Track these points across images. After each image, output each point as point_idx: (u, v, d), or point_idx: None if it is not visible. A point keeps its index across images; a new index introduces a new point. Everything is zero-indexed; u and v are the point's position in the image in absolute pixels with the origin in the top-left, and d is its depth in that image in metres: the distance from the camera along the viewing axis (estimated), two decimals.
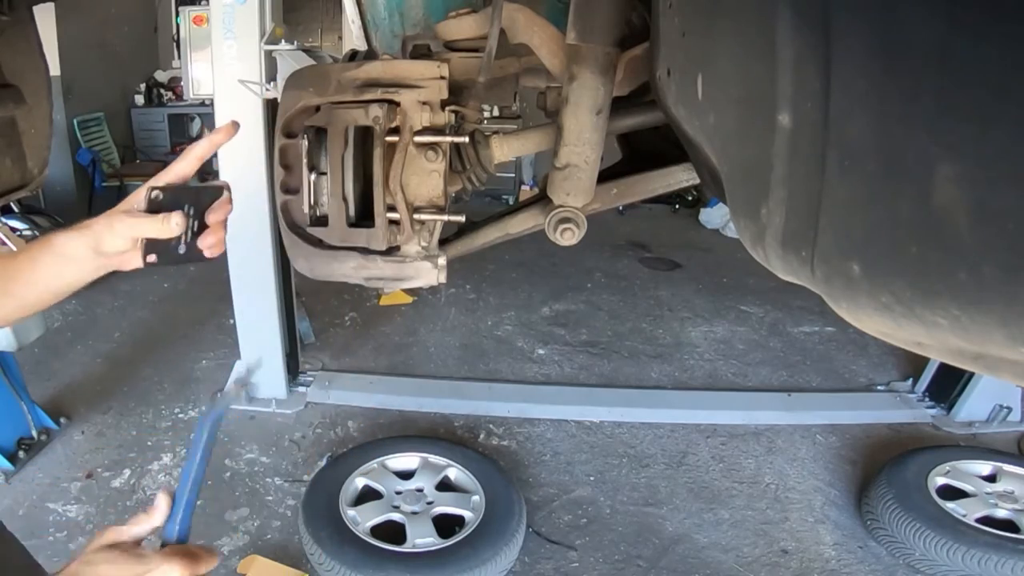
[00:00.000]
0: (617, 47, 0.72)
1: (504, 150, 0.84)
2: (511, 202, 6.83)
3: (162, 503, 0.82)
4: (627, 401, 3.51)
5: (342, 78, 0.73)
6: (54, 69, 1.57)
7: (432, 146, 0.74)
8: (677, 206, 6.94)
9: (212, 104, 2.99)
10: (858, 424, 3.40)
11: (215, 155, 0.83)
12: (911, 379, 3.73)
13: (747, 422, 3.38)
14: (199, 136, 6.87)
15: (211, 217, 0.81)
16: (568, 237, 0.80)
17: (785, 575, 2.52)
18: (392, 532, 2.42)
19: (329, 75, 0.73)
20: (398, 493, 2.59)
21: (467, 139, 0.77)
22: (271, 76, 2.78)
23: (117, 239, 0.77)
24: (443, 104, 0.73)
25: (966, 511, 2.56)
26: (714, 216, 6.44)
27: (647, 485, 2.95)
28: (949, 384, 3.45)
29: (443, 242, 0.84)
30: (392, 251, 0.81)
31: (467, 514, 2.49)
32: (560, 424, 3.32)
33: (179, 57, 6.34)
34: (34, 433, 2.94)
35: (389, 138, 0.73)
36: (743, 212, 0.51)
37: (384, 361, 3.87)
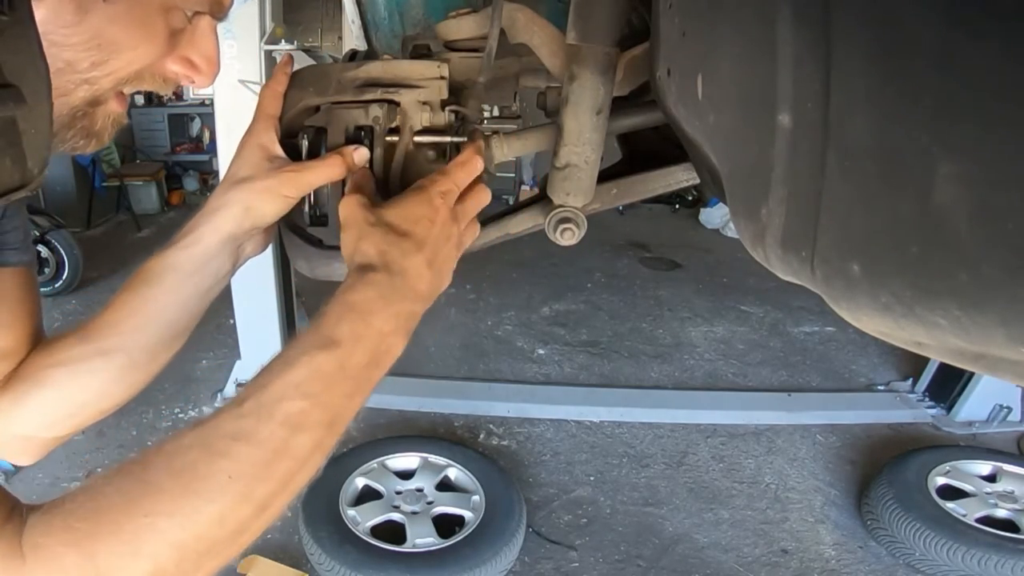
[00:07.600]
0: (617, 47, 0.72)
1: (504, 150, 0.84)
2: (511, 202, 6.82)
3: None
4: (627, 401, 3.51)
5: (342, 78, 0.72)
6: None
7: (432, 146, 0.74)
8: (677, 206, 6.93)
9: (212, 104, 2.99)
10: (858, 424, 3.40)
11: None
12: (911, 379, 3.73)
13: (747, 422, 3.38)
14: (199, 136, 6.86)
15: None
16: (568, 237, 0.79)
17: (785, 575, 2.52)
18: (392, 532, 2.42)
19: (329, 75, 0.73)
20: (398, 493, 2.59)
21: (467, 139, 0.77)
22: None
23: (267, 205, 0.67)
24: (443, 104, 0.73)
25: (966, 511, 2.56)
26: (714, 216, 6.44)
27: (647, 485, 2.95)
28: (949, 384, 3.45)
29: None
30: None
31: (467, 514, 2.49)
32: (560, 424, 3.32)
33: None
34: None
35: (389, 138, 0.73)
36: (743, 212, 0.51)
37: None
